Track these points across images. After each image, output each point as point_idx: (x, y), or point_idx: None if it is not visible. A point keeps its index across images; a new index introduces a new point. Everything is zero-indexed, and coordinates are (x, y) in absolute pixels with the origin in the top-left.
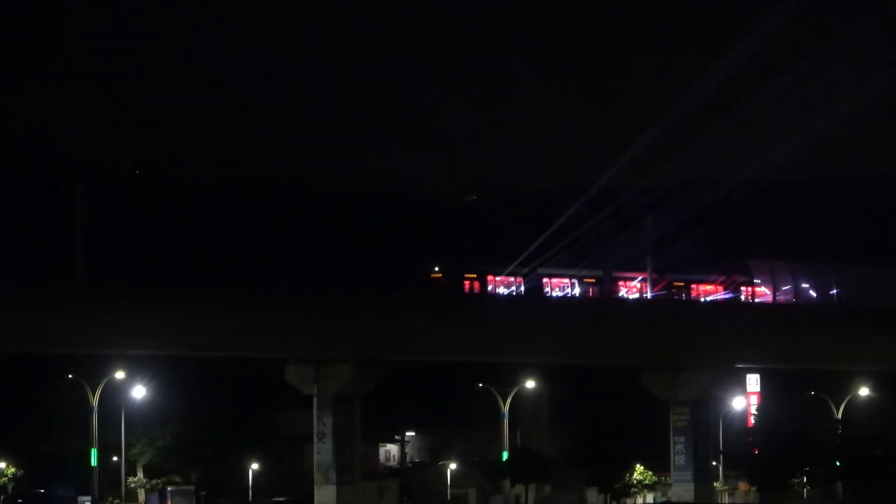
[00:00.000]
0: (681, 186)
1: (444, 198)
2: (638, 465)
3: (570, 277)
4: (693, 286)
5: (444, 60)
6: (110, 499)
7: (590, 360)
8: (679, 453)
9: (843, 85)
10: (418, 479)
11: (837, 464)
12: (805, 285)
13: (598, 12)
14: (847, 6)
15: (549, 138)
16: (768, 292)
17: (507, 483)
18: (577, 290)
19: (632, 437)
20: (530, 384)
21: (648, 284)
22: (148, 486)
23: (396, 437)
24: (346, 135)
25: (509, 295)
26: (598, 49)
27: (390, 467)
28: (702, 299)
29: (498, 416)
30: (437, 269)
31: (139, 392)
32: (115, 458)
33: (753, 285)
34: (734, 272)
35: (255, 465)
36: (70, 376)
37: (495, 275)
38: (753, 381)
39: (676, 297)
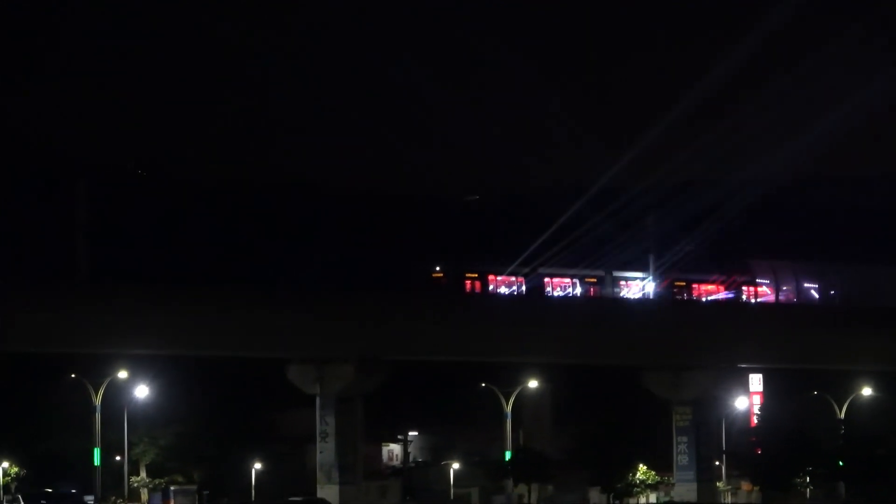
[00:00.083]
0: (681, 186)
1: (446, 197)
2: (640, 465)
3: (572, 277)
4: (695, 286)
5: (444, 60)
6: (113, 498)
7: (592, 359)
8: (682, 453)
9: (843, 85)
10: (421, 479)
11: (840, 464)
12: (807, 285)
13: (598, 12)
14: (847, 6)
15: (549, 138)
16: (770, 292)
17: (509, 483)
18: (578, 290)
19: (634, 437)
20: (533, 384)
21: (651, 284)
22: (151, 486)
23: (399, 437)
24: (347, 134)
25: (511, 294)
26: (599, 49)
27: (393, 467)
28: (703, 299)
29: (500, 415)
30: (438, 268)
31: (142, 392)
32: (117, 458)
33: (755, 285)
34: (736, 272)
35: (257, 465)
36: (73, 376)
37: (496, 274)
38: (756, 381)
39: (678, 297)
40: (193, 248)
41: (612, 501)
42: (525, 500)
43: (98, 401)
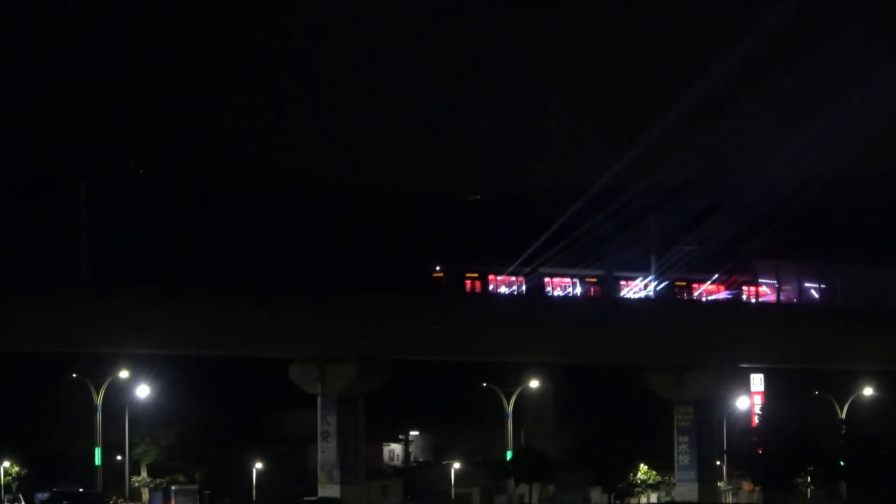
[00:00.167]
0: (681, 186)
1: (447, 197)
2: (642, 465)
3: (572, 277)
4: (696, 286)
5: (444, 60)
6: (114, 498)
7: (594, 359)
8: (683, 453)
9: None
10: (422, 479)
11: (841, 463)
12: (809, 285)
13: (598, 12)
14: (847, 6)
15: (550, 138)
16: (772, 292)
17: (510, 482)
18: (578, 290)
19: (636, 437)
20: (534, 384)
21: (652, 284)
22: (152, 486)
23: (400, 437)
24: (347, 134)
25: (512, 294)
26: (599, 49)
27: (394, 467)
28: (704, 299)
29: (502, 415)
30: (438, 268)
31: (143, 391)
32: (118, 458)
33: (757, 285)
34: (738, 272)
35: (258, 465)
36: (74, 375)
37: (497, 274)
38: (757, 381)
39: (679, 297)
40: (194, 247)
41: (613, 501)
42: (526, 499)
43: (99, 400)
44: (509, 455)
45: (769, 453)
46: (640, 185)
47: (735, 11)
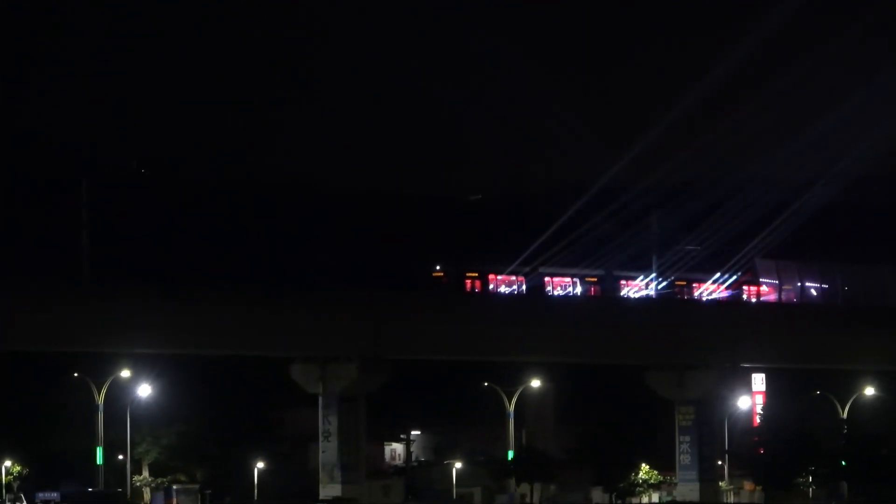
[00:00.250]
0: (681, 186)
1: (447, 197)
2: (643, 465)
3: (572, 276)
4: (697, 285)
5: (444, 60)
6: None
7: (595, 359)
8: (684, 453)
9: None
10: (423, 478)
11: (842, 463)
12: (810, 285)
13: (598, 12)
14: (847, 6)
15: (550, 138)
16: (773, 292)
17: (512, 482)
18: (578, 289)
19: (637, 437)
20: (536, 383)
21: (653, 283)
22: (153, 485)
23: (402, 436)
24: (347, 134)
25: (513, 294)
26: (599, 49)
27: (395, 466)
28: (705, 299)
29: (503, 415)
30: (438, 268)
31: (145, 391)
32: (120, 457)
33: (759, 285)
34: (739, 272)
35: (260, 464)
36: (76, 375)
37: (497, 274)
38: (759, 381)
39: (680, 297)
40: (195, 247)
41: (614, 501)
42: (528, 499)
43: (101, 400)
44: (510, 455)
45: (770, 453)
46: (641, 185)
47: (735, 11)
